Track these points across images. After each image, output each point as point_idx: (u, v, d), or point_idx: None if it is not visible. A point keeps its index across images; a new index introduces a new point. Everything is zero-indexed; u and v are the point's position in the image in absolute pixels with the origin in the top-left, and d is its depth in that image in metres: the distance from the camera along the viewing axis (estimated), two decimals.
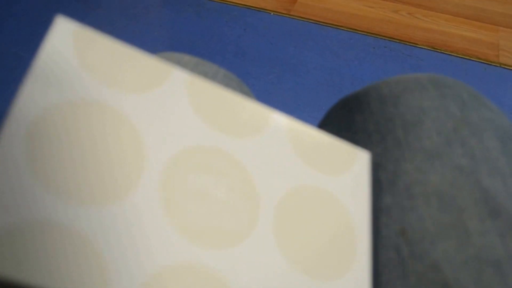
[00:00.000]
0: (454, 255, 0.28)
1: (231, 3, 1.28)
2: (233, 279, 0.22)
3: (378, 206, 0.31)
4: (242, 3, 1.28)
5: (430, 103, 0.34)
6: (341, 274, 0.25)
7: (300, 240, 0.24)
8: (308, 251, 0.25)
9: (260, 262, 0.23)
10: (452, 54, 1.18)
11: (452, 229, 0.29)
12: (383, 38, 1.20)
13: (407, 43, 1.19)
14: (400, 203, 0.30)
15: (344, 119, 0.37)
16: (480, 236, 0.28)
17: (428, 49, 1.18)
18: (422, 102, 0.34)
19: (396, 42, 1.20)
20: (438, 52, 1.18)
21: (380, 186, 0.32)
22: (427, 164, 0.31)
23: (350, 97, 0.38)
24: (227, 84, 0.40)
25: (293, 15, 1.25)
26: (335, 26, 1.23)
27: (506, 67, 1.17)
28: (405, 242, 0.29)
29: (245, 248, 0.23)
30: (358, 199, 0.29)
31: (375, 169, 0.33)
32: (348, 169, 0.29)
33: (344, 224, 0.27)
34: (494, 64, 1.17)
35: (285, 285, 0.23)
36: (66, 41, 0.23)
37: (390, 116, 0.34)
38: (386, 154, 0.33)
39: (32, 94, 0.21)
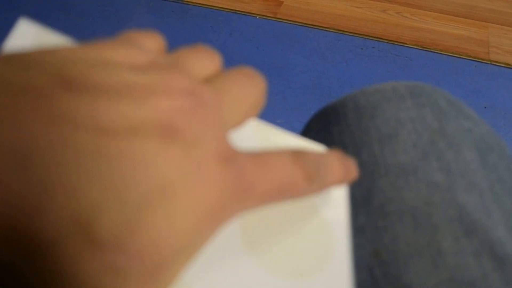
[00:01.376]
0: (427, 277, 0.27)
1: (216, 8, 1.26)
2: None
3: (353, 225, 0.30)
4: (228, 7, 1.26)
5: (407, 114, 0.33)
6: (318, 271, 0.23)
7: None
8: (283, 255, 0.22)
9: None
10: (442, 52, 1.16)
11: (426, 249, 0.28)
12: (371, 38, 1.18)
13: (396, 43, 1.17)
14: (374, 222, 0.29)
15: (322, 131, 0.36)
16: (454, 256, 0.28)
17: (418, 48, 1.16)
18: (399, 113, 0.33)
19: (384, 42, 1.18)
20: (427, 51, 1.16)
21: (355, 204, 0.31)
22: (401, 180, 0.30)
23: (328, 107, 0.37)
24: None
25: (279, 18, 1.23)
26: (322, 28, 1.21)
27: (496, 64, 1.15)
28: (378, 263, 0.28)
29: None
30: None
31: (351, 185, 0.31)
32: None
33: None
34: (484, 61, 1.16)
35: None
36: (27, 42, 0.23)
37: (366, 128, 0.33)
38: (361, 169, 0.32)
39: None
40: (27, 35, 0.23)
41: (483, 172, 0.31)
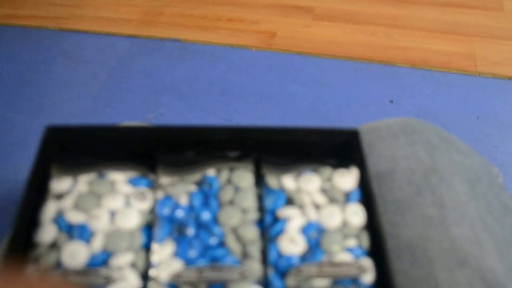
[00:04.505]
0: None
1: (212, 44, 1.31)
2: None
3: None
4: (223, 42, 1.31)
5: (401, 151, 0.35)
6: None
7: None
8: None
9: None
10: (432, 69, 1.21)
11: (423, 283, 0.29)
12: (364, 61, 1.24)
13: (388, 63, 1.22)
14: None
15: None
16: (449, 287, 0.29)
17: (408, 67, 1.21)
18: (394, 150, 0.35)
19: (376, 63, 1.23)
20: (417, 69, 1.21)
21: None
22: (398, 216, 0.32)
23: None
24: None
25: (274, 49, 1.28)
26: (316, 55, 1.26)
27: (484, 75, 1.20)
28: None
29: None
30: None
31: None
32: None
33: None
34: (473, 74, 1.21)
35: None
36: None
37: None
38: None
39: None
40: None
41: (474, 203, 0.32)
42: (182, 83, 1.21)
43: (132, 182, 0.28)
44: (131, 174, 0.29)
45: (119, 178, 0.28)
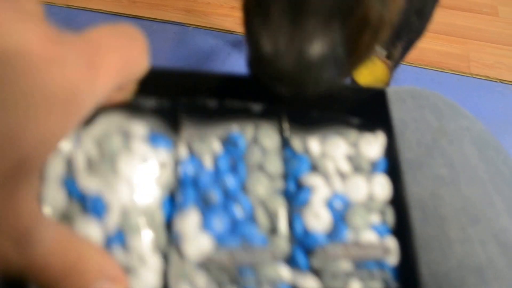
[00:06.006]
0: (437, 266, 0.29)
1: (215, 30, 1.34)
2: None
3: None
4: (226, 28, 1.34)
5: (409, 115, 0.35)
6: None
7: None
8: None
9: None
10: (427, 67, 1.25)
11: (435, 240, 0.29)
12: None
13: None
14: None
15: None
16: (461, 245, 0.29)
17: (405, 64, 1.25)
18: (402, 114, 0.35)
19: None
20: (413, 66, 1.25)
21: None
22: (409, 175, 0.32)
23: None
24: None
25: None
26: None
27: (477, 77, 1.24)
28: None
29: None
30: None
31: None
32: None
33: None
34: (466, 74, 1.25)
35: None
36: None
37: None
38: None
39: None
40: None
41: (483, 166, 0.32)
42: (183, 65, 1.23)
43: (152, 139, 0.24)
44: (149, 127, 0.25)
45: (136, 131, 0.24)
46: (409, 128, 0.34)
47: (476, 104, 1.17)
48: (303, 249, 0.23)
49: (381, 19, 0.24)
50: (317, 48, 0.21)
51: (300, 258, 0.22)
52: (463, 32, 1.34)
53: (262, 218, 0.23)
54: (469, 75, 1.24)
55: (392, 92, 0.37)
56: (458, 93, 1.19)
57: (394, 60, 0.59)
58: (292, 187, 0.24)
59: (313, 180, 0.24)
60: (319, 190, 0.24)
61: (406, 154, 0.33)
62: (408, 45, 0.58)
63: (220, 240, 0.22)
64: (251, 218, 0.23)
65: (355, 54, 0.24)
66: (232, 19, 1.36)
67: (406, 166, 0.32)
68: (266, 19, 0.22)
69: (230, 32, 1.32)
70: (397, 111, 0.36)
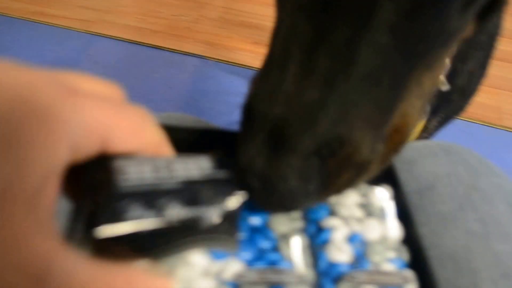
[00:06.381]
0: None
1: (236, 65, 1.31)
2: None
3: None
4: (246, 64, 1.30)
5: (442, 169, 0.36)
6: None
7: None
8: None
9: None
10: (457, 117, 1.19)
11: None
12: None
13: None
14: None
15: None
16: None
17: None
18: (435, 168, 0.36)
19: None
20: None
21: None
22: (441, 228, 0.33)
23: None
24: None
25: None
26: None
27: (508, 129, 1.17)
28: None
29: None
30: None
31: None
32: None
33: None
34: (497, 127, 1.18)
35: None
36: None
37: (405, 180, 0.35)
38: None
39: None
40: None
41: None
42: (201, 98, 1.20)
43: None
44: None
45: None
46: (441, 182, 0.35)
47: (508, 158, 1.10)
48: (329, 278, 0.25)
49: (367, 161, 0.25)
50: (285, 180, 0.23)
51: (328, 285, 0.24)
52: (496, 82, 1.28)
53: (286, 249, 0.25)
54: (501, 127, 1.17)
55: (423, 146, 0.39)
56: (489, 146, 1.13)
57: (427, 133, 0.60)
58: (312, 228, 0.27)
59: (333, 222, 0.26)
60: (340, 229, 0.26)
61: (438, 207, 0.34)
62: (444, 121, 0.59)
63: (249, 264, 0.25)
64: (276, 248, 0.25)
65: (333, 188, 0.25)
66: (253, 55, 1.33)
67: (438, 218, 0.34)
68: (251, 140, 0.24)
69: (250, 67, 1.27)
70: (429, 164, 0.37)
